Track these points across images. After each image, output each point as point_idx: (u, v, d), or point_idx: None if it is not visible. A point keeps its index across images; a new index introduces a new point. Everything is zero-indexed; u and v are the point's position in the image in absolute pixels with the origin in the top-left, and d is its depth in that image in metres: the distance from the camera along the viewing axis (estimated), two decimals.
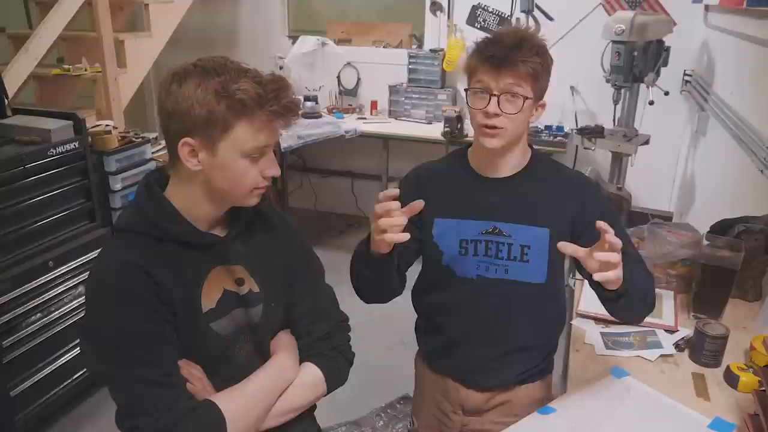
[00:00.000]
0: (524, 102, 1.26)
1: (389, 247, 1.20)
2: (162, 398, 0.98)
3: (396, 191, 1.15)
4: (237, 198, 1.09)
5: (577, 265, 1.26)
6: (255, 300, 1.15)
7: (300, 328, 1.22)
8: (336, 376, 1.22)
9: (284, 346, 1.19)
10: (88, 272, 2.46)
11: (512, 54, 1.24)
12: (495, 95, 1.26)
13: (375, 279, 1.31)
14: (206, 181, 1.05)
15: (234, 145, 1.01)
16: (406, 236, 1.17)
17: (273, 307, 1.17)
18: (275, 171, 1.08)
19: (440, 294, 1.45)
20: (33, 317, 2.31)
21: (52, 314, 2.39)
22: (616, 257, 1.11)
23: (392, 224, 1.14)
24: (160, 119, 1.04)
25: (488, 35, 1.32)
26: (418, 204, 1.14)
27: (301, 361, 1.19)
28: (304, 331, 1.22)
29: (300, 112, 1.06)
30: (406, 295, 1.52)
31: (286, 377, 1.15)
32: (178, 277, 1.05)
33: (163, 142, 3.38)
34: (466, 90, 1.33)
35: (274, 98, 1.00)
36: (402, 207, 1.28)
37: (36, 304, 2.31)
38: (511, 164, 1.37)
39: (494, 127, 1.28)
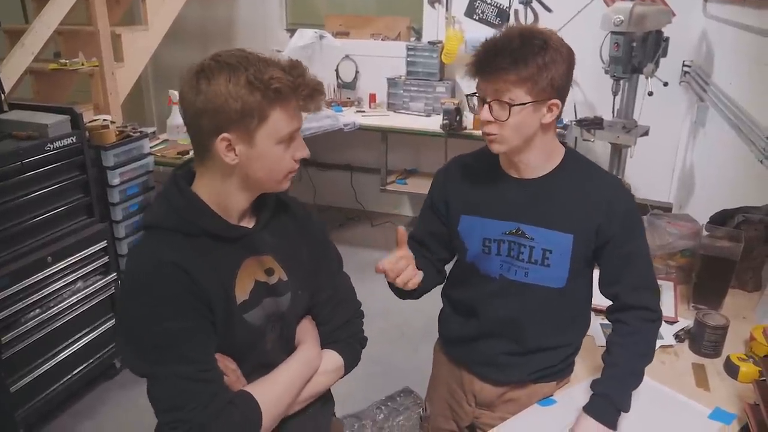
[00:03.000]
0: (510, 109, 1.22)
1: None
2: (201, 393, 1.02)
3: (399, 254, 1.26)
4: (272, 185, 1.11)
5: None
6: (284, 288, 1.18)
7: (321, 315, 1.26)
8: (353, 360, 1.28)
9: (309, 335, 1.23)
10: (86, 268, 2.50)
11: (493, 61, 1.21)
12: (487, 102, 1.24)
13: (406, 296, 1.39)
14: (243, 173, 1.07)
15: (270, 132, 1.04)
16: (420, 278, 1.28)
17: (300, 294, 1.21)
18: (306, 152, 1.11)
19: (464, 289, 1.46)
20: (32, 313, 2.31)
21: (51, 310, 2.38)
22: None
23: (406, 280, 1.26)
24: (188, 118, 1.05)
25: (488, 38, 1.27)
26: (401, 239, 1.26)
27: (322, 347, 1.24)
28: (325, 319, 1.26)
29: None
30: None
31: (312, 366, 1.20)
32: (213, 271, 1.07)
33: (161, 137, 3.41)
34: (467, 96, 1.34)
35: (302, 83, 1.04)
36: (432, 199, 1.45)
37: (35, 299, 2.31)
38: (533, 166, 1.33)
39: (490, 134, 1.27)
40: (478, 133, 3.59)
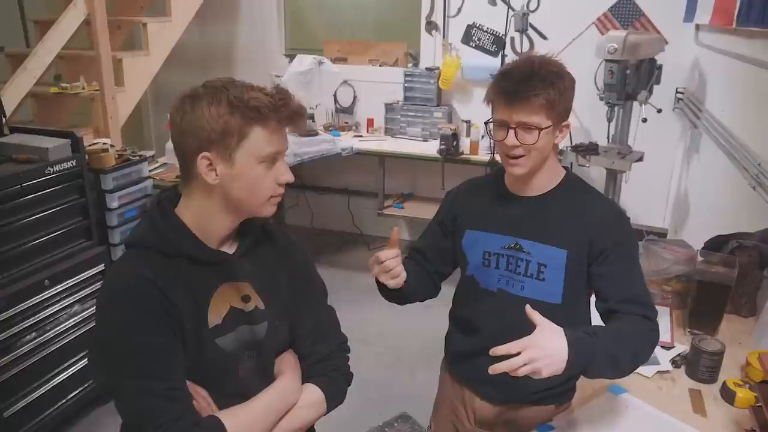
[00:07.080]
0: (539, 132, 1.28)
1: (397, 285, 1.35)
2: (168, 412, 0.99)
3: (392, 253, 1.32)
4: (254, 207, 1.12)
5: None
6: (260, 317, 1.16)
7: (302, 347, 1.24)
8: (336, 396, 1.24)
9: (289, 367, 1.21)
10: (83, 291, 2.49)
11: (522, 88, 1.26)
12: (512, 128, 1.29)
13: (392, 298, 1.45)
14: (224, 193, 1.08)
15: (250, 151, 1.06)
16: (401, 280, 1.34)
17: (277, 324, 1.19)
18: (289, 177, 1.12)
19: (465, 304, 1.51)
20: (28, 337, 2.30)
21: (47, 334, 2.37)
22: (515, 364, 1.08)
23: (388, 276, 1.32)
24: (174, 140, 1.08)
25: (505, 67, 1.34)
26: (394, 239, 1.34)
27: (303, 381, 1.21)
28: (306, 352, 1.24)
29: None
30: (403, 313, 1.53)
31: (289, 399, 1.17)
32: (187, 292, 1.07)
33: (159, 161, 3.43)
34: (486, 123, 1.37)
35: (284, 105, 1.06)
36: (441, 214, 1.52)
37: (31, 323, 2.30)
38: (538, 185, 1.39)
39: (515, 157, 1.32)
40: (475, 158, 3.66)
